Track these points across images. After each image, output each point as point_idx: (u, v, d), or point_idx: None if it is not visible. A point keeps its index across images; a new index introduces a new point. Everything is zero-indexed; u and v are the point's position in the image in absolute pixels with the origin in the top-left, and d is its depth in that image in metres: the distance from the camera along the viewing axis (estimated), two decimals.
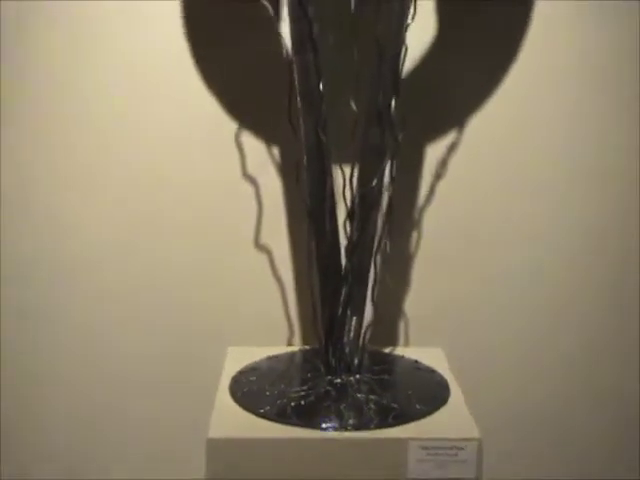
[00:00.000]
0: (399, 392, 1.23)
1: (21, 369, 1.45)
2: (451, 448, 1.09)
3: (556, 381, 1.48)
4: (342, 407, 1.16)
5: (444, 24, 1.35)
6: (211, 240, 1.42)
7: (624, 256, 1.45)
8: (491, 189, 1.42)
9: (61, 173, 1.39)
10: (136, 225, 1.41)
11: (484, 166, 1.41)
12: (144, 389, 1.45)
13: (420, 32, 1.30)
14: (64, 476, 1.47)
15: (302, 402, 1.17)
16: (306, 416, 1.14)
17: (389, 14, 1.15)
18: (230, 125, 1.37)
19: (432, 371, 1.30)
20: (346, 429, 1.11)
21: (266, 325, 1.43)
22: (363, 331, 1.24)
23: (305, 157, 1.19)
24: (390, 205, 1.23)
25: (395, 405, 1.16)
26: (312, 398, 1.18)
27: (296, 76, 1.17)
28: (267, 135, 1.38)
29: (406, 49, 1.17)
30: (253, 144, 1.38)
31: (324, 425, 1.12)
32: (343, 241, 1.22)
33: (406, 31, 1.16)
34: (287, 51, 1.20)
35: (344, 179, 1.21)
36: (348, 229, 1.21)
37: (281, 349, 1.40)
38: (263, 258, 1.42)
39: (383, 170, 1.19)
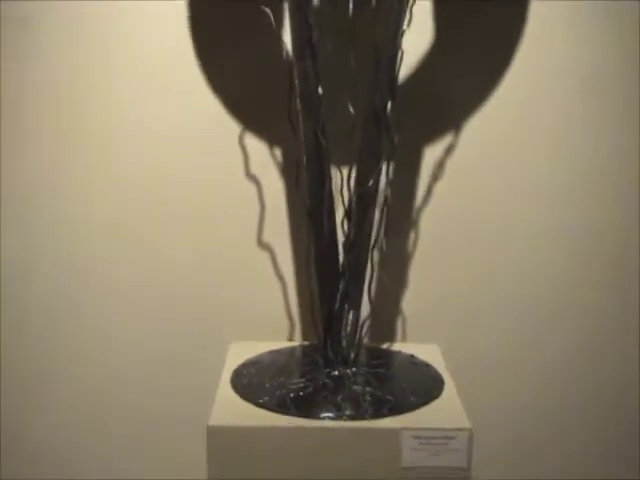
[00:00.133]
0: (394, 385, 1.27)
1: (24, 366, 1.49)
2: (443, 438, 1.13)
3: (552, 378, 1.51)
4: (339, 398, 1.19)
5: (441, 28, 1.38)
6: (214, 239, 1.45)
7: (621, 255, 1.48)
8: (487, 190, 1.45)
9: (68, 171, 1.43)
10: (140, 223, 1.44)
11: (481, 167, 1.44)
12: (148, 382, 1.48)
13: (418, 36, 1.34)
14: (67, 467, 1.52)
15: (300, 393, 1.21)
16: (304, 406, 1.18)
17: (385, 20, 1.18)
18: (233, 126, 1.41)
19: (427, 365, 1.34)
20: (342, 419, 1.15)
21: (268, 321, 1.46)
22: (360, 326, 1.28)
23: (305, 158, 1.23)
24: (386, 204, 1.26)
25: (390, 397, 1.20)
26: (310, 390, 1.22)
27: (296, 80, 1.21)
28: (269, 136, 1.41)
29: (402, 54, 1.20)
30: (255, 145, 1.42)
31: (321, 415, 1.16)
32: (341, 239, 1.26)
33: (402, 37, 1.19)
34: (288, 56, 1.23)
35: (342, 179, 1.25)
36: (345, 227, 1.25)
37: (282, 344, 1.43)
38: (265, 256, 1.46)
39: (379, 171, 1.23)
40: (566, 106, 1.43)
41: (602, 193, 1.46)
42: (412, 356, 1.38)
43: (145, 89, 1.41)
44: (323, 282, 1.27)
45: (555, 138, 1.44)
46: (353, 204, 1.24)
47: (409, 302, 1.47)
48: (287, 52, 1.23)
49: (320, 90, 1.20)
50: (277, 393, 1.21)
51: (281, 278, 1.47)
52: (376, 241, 1.27)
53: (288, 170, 1.41)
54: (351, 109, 1.22)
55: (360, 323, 1.28)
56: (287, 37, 1.23)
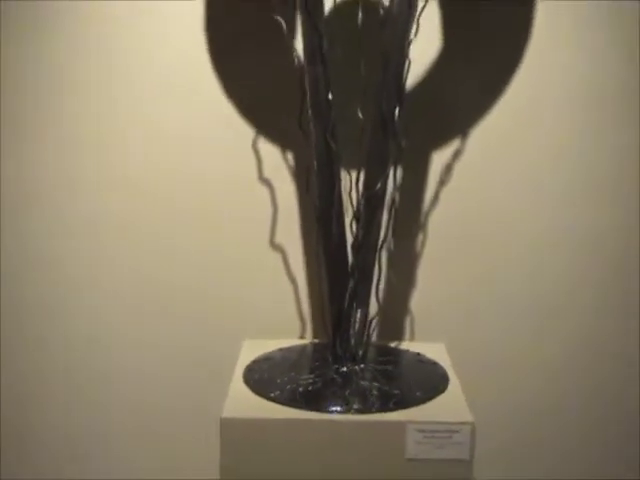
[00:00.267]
0: (401, 381, 1.31)
1: (39, 365, 1.54)
2: (446, 431, 1.16)
3: (554, 377, 1.53)
4: (347, 393, 1.23)
5: (448, 37, 1.42)
6: (229, 240, 1.49)
7: (622, 256, 1.51)
8: (492, 193, 1.48)
9: (83, 172, 1.47)
10: (157, 224, 1.49)
11: (486, 171, 1.47)
12: (163, 378, 1.53)
13: (426, 45, 1.38)
14: (79, 463, 1.57)
15: (310, 388, 1.25)
16: (313, 400, 1.22)
17: (393, 30, 1.22)
18: (246, 131, 1.45)
19: (434, 363, 1.38)
20: (350, 413, 1.19)
21: (279, 319, 1.50)
22: (368, 324, 1.32)
23: (315, 162, 1.27)
24: (394, 207, 1.30)
25: (396, 392, 1.24)
26: (319, 385, 1.26)
27: (307, 86, 1.24)
28: (281, 141, 1.45)
29: (409, 63, 1.24)
30: (268, 149, 1.46)
31: (330, 409, 1.20)
32: (350, 240, 1.30)
33: (409, 46, 1.23)
34: (299, 63, 1.27)
35: (351, 182, 1.29)
36: (354, 229, 1.29)
37: (293, 342, 1.47)
38: (277, 257, 1.50)
39: (387, 174, 1.27)
40: (568, 112, 1.47)
41: (603, 195, 1.49)
42: (418, 354, 1.41)
43: (161, 93, 1.45)
44: (332, 282, 1.30)
45: (557, 143, 1.47)
46: (361, 206, 1.28)
47: (416, 302, 1.50)
48: (299, 59, 1.27)
49: (330, 96, 1.24)
50: (287, 388, 1.25)
51: (292, 278, 1.50)
52: (384, 242, 1.31)
53: (299, 173, 1.45)
54: (360, 115, 1.25)
55: (368, 321, 1.31)
56: (299, 45, 1.27)
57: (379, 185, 1.26)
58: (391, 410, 1.20)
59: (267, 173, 1.47)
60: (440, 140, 1.46)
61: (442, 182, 1.47)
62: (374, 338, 1.40)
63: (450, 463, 1.17)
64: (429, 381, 1.31)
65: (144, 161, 1.47)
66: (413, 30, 1.23)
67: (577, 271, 1.51)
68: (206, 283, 1.51)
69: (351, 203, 1.29)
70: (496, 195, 1.49)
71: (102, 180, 1.48)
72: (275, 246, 1.50)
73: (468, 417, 1.18)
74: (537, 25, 1.42)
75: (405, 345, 1.47)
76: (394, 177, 1.29)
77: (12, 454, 1.56)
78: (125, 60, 1.44)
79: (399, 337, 1.51)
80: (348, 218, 1.30)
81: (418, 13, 1.23)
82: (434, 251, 1.49)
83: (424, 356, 1.41)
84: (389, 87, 1.24)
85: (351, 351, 1.30)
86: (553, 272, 1.51)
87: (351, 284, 1.29)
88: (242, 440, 1.18)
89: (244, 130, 1.45)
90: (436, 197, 1.48)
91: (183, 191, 1.48)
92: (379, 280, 1.32)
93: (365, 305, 1.31)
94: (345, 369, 1.29)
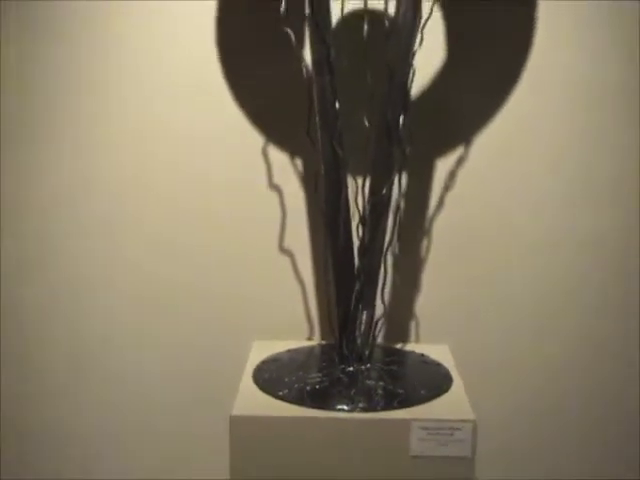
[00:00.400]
0: (405, 380, 1.34)
1: (52, 365, 1.58)
2: (449, 429, 1.20)
3: (555, 376, 1.56)
4: (353, 392, 1.27)
5: (452, 48, 1.45)
6: (239, 244, 1.53)
7: (621, 259, 1.54)
8: (495, 199, 1.52)
9: (100, 177, 1.52)
10: (172, 228, 1.53)
11: (489, 178, 1.51)
12: (176, 377, 1.57)
13: (431, 54, 1.42)
14: (90, 462, 1.61)
15: (317, 387, 1.28)
16: (320, 399, 1.25)
17: (398, 42, 1.26)
18: (256, 138, 1.49)
19: (437, 364, 1.41)
20: (356, 411, 1.23)
21: (288, 321, 1.54)
22: (373, 325, 1.35)
23: (322, 168, 1.30)
24: (399, 212, 1.34)
25: (401, 391, 1.28)
26: (326, 384, 1.29)
27: (315, 95, 1.28)
28: (290, 148, 1.49)
29: (414, 72, 1.28)
30: (277, 156, 1.50)
31: (336, 407, 1.23)
32: (356, 244, 1.33)
33: (414, 56, 1.27)
34: (307, 73, 1.30)
35: (357, 188, 1.32)
36: (360, 233, 1.32)
37: (300, 343, 1.51)
38: (285, 260, 1.53)
39: (392, 180, 1.30)
40: (569, 116, 1.50)
41: (603, 198, 1.52)
42: (422, 355, 1.45)
43: (173, 101, 1.49)
44: (339, 284, 1.34)
45: (558, 147, 1.51)
46: (367, 211, 1.31)
47: (420, 304, 1.54)
48: (307, 69, 1.30)
49: (337, 105, 1.27)
50: (295, 387, 1.29)
51: (300, 281, 1.54)
52: (389, 246, 1.34)
53: (307, 179, 1.49)
54: (366, 123, 1.29)
55: (374, 323, 1.35)
56: (307, 56, 1.30)
57: (384, 191, 1.29)
58: (396, 408, 1.23)
59: (276, 179, 1.51)
60: (444, 147, 1.50)
61: (446, 188, 1.50)
62: (380, 340, 1.43)
63: (453, 460, 1.20)
64: (433, 381, 1.34)
65: (157, 166, 1.51)
66: (417, 41, 1.26)
67: (578, 273, 1.54)
68: (216, 285, 1.55)
69: (357, 208, 1.32)
70: (498, 200, 1.52)
71: (115, 183, 1.52)
72: (284, 250, 1.53)
73: (470, 415, 1.21)
74: (538, 33, 1.45)
75: (409, 346, 1.51)
76: (399, 183, 1.33)
77: (25, 453, 1.61)
78: (141, 74, 1.49)
79: (404, 339, 1.54)
80: (354, 223, 1.33)
81: (422, 24, 1.26)
82: (438, 255, 1.52)
83: (428, 357, 1.44)
84: (394, 96, 1.27)
85: (357, 351, 1.34)
86: (554, 274, 1.54)
87: (357, 286, 1.32)
88: (251, 437, 1.21)
89: (254, 137, 1.49)
90: (440, 202, 1.51)
91: (195, 196, 1.52)
92: (384, 283, 1.35)
93: (371, 307, 1.34)
94: (351, 369, 1.33)
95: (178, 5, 1.46)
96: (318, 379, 1.31)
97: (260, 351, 1.45)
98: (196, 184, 1.52)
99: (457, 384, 1.33)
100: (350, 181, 1.32)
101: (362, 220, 1.32)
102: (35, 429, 1.60)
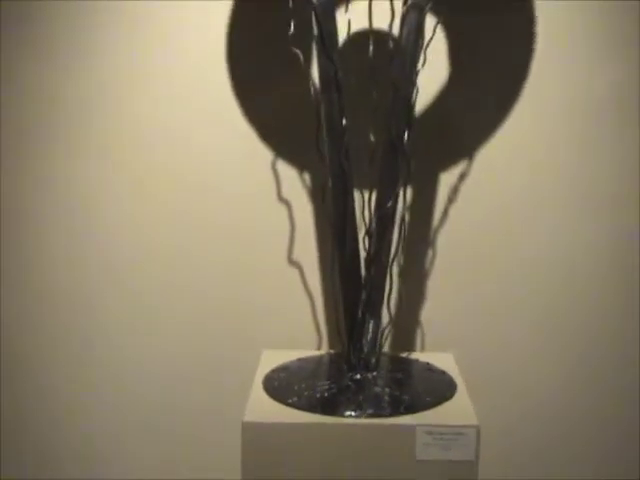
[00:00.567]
0: (411, 387, 1.38)
1: (67, 367, 1.61)
2: (453, 434, 1.23)
3: (557, 384, 1.59)
4: (361, 399, 1.30)
5: (454, 67, 1.49)
6: (250, 256, 1.57)
7: (620, 269, 1.57)
8: (497, 211, 1.55)
9: (114, 191, 1.56)
10: (185, 241, 1.57)
11: (491, 191, 1.55)
12: (187, 384, 1.60)
13: (434, 74, 1.46)
14: (101, 465, 1.64)
15: (326, 394, 1.32)
16: (329, 406, 1.28)
17: (402, 62, 1.30)
18: (266, 154, 1.54)
19: (442, 372, 1.44)
20: (364, 417, 1.26)
21: (297, 331, 1.57)
22: (380, 334, 1.39)
23: (330, 182, 1.33)
24: (404, 224, 1.37)
25: (406, 397, 1.31)
26: (335, 391, 1.33)
27: (323, 112, 1.32)
28: (298, 163, 1.53)
29: (417, 90, 1.32)
30: (286, 170, 1.54)
31: (345, 413, 1.26)
32: (363, 255, 1.37)
33: (417, 75, 1.31)
34: (315, 91, 1.34)
35: (363, 201, 1.35)
36: (367, 244, 1.35)
37: (309, 352, 1.54)
38: (294, 272, 1.57)
39: (397, 194, 1.34)
40: (568, 134, 1.53)
41: (603, 212, 1.55)
42: (428, 363, 1.48)
43: (187, 120, 1.54)
44: (347, 294, 1.37)
45: (558, 164, 1.54)
46: (373, 223, 1.34)
47: (425, 313, 1.57)
48: (315, 87, 1.35)
49: (344, 121, 1.30)
50: (305, 394, 1.32)
51: (309, 292, 1.58)
52: (395, 257, 1.37)
53: (315, 193, 1.53)
54: (372, 138, 1.32)
55: (380, 332, 1.38)
56: (315, 74, 1.35)
57: (390, 203, 1.33)
58: (402, 414, 1.26)
59: (285, 193, 1.55)
60: (447, 161, 1.54)
61: (449, 200, 1.54)
62: (386, 348, 1.46)
63: (457, 464, 1.23)
64: (438, 388, 1.37)
65: (170, 179, 1.55)
66: (421, 61, 1.30)
67: (580, 283, 1.57)
68: (227, 295, 1.58)
69: (364, 220, 1.35)
70: (500, 212, 1.55)
71: (128, 196, 1.56)
72: (292, 261, 1.57)
73: (474, 420, 1.25)
74: (537, 50, 1.49)
75: (415, 355, 1.54)
76: (404, 196, 1.36)
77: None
78: (155, 93, 1.53)
79: (409, 348, 1.58)
80: (361, 234, 1.36)
81: (425, 45, 1.30)
82: (442, 266, 1.56)
83: (433, 365, 1.47)
84: (399, 113, 1.31)
85: (364, 360, 1.37)
86: (556, 284, 1.57)
87: (364, 296, 1.35)
88: (262, 443, 1.24)
89: (264, 153, 1.53)
90: (444, 215, 1.54)
91: (206, 209, 1.56)
92: (390, 293, 1.38)
93: (377, 316, 1.38)
94: (359, 376, 1.36)
95: (189, 22, 1.51)
96: (327, 386, 1.34)
97: (269, 360, 1.48)
98: (208, 197, 1.56)
99: (461, 391, 1.36)
100: (357, 194, 1.35)
101: (368, 232, 1.35)
102: (39, 434, 1.64)
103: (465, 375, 1.42)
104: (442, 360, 1.50)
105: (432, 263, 1.56)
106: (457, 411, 1.29)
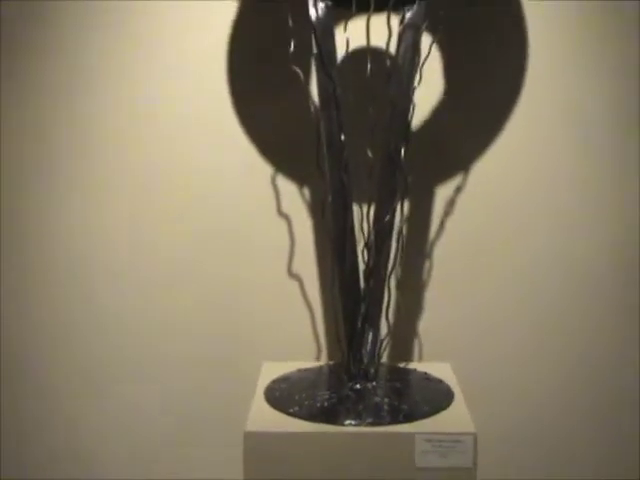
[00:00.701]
0: (409, 397, 1.41)
1: (71, 374, 1.63)
2: (451, 441, 1.25)
3: (554, 392, 1.61)
4: (360, 408, 1.33)
5: (449, 84, 1.53)
6: (251, 269, 1.59)
7: (613, 275, 1.60)
8: (493, 224, 1.58)
9: (124, 202, 1.59)
10: (189, 254, 1.59)
11: (486, 204, 1.58)
12: (189, 396, 1.62)
13: (429, 91, 1.49)
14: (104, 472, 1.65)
15: (326, 404, 1.34)
16: (330, 415, 1.31)
17: (399, 80, 1.33)
18: (266, 170, 1.56)
19: (440, 381, 1.46)
20: (364, 425, 1.28)
21: (297, 343, 1.60)
22: (379, 344, 1.41)
23: (330, 196, 1.36)
24: (401, 237, 1.39)
25: (405, 406, 1.34)
26: (335, 400, 1.35)
27: (322, 128, 1.35)
28: (297, 178, 1.56)
29: (414, 107, 1.35)
30: (285, 186, 1.57)
31: (345, 422, 1.28)
32: (361, 267, 1.39)
33: (414, 93, 1.34)
34: (315, 107, 1.37)
35: (362, 215, 1.37)
36: (366, 257, 1.38)
37: (309, 364, 1.56)
38: (294, 285, 1.60)
39: (395, 207, 1.37)
40: (561, 148, 1.57)
41: (596, 223, 1.58)
42: (425, 373, 1.50)
43: (190, 136, 1.57)
44: (346, 305, 1.39)
45: (551, 177, 1.57)
46: (372, 236, 1.37)
47: (423, 324, 1.59)
48: (314, 105, 1.37)
49: (343, 137, 1.34)
50: (306, 404, 1.34)
51: (308, 304, 1.60)
52: (393, 269, 1.40)
53: (314, 208, 1.56)
54: (370, 154, 1.35)
55: (379, 342, 1.41)
56: (314, 92, 1.38)
57: (388, 217, 1.36)
58: (401, 423, 1.28)
59: (285, 207, 1.58)
60: (443, 175, 1.57)
61: (445, 214, 1.57)
62: (384, 359, 1.48)
63: (455, 471, 1.25)
64: (435, 397, 1.39)
65: (173, 194, 1.58)
66: (417, 78, 1.34)
67: (574, 292, 1.60)
68: (228, 308, 1.61)
69: (363, 233, 1.38)
70: (496, 225, 1.58)
71: (131, 210, 1.59)
72: (292, 275, 1.59)
73: (471, 428, 1.27)
74: (530, 67, 1.53)
75: (413, 365, 1.56)
76: (401, 209, 1.38)
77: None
78: (151, 101, 1.56)
79: (407, 358, 1.60)
80: (360, 247, 1.38)
81: (421, 63, 1.34)
82: (439, 277, 1.58)
83: (431, 375, 1.49)
84: (396, 129, 1.34)
85: (364, 370, 1.39)
86: (551, 294, 1.60)
87: (363, 308, 1.38)
88: (264, 452, 1.26)
89: (264, 168, 1.56)
90: (440, 227, 1.57)
91: (208, 224, 1.59)
92: (389, 304, 1.41)
93: (376, 327, 1.40)
94: (358, 386, 1.38)
95: (190, 40, 1.54)
96: (327, 396, 1.37)
97: (270, 371, 1.50)
98: (209, 212, 1.59)
99: (458, 400, 1.38)
100: (356, 208, 1.37)
101: (367, 245, 1.37)
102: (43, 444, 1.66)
103: (462, 384, 1.44)
104: (440, 370, 1.51)
105: (429, 275, 1.59)
106: (455, 419, 1.32)
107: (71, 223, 1.60)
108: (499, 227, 1.59)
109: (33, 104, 1.57)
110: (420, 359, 1.61)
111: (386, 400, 1.35)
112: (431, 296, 1.60)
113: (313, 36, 1.32)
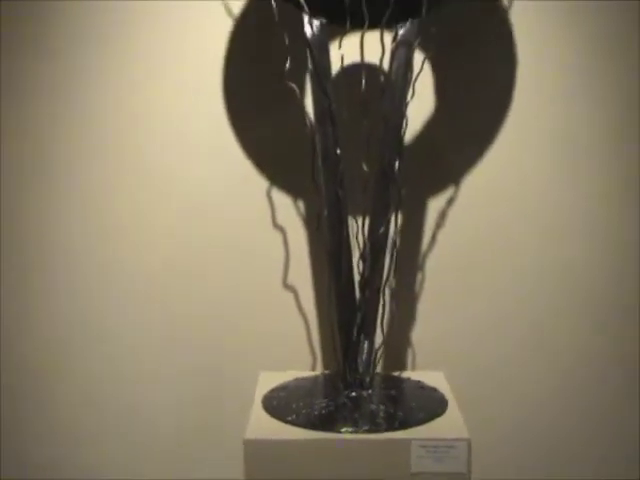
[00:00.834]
0: (404, 404, 1.44)
1: (67, 387, 1.65)
2: (446, 447, 1.28)
3: (544, 397, 1.64)
4: (357, 415, 1.36)
5: (441, 99, 1.57)
6: (247, 281, 1.62)
7: (606, 289, 1.63)
8: (483, 235, 1.61)
9: (124, 218, 1.62)
10: (185, 266, 1.62)
11: (477, 216, 1.61)
12: (191, 407, 1.65)
13: (422, 106, 1.53)
14: None
15: (323, 412, 1.37)
16: (327, 422, 1.34)
17: (392, 95, 1.37)
18: (262, 183, 1.59)
19: (434, 389, 1.50)
20: (360, 432, 1.31)
21: (292, 353, 1.62)
22: (374, 354, 1.44)
23: (326, 209, 1.39)
24: (395, 248, 1.43)
25: (400, 414, 1.37)
26: (332, 408, 1.38)
27: (318, 143, 1.38)
28: (292, 192, 1.59)
29: (407, 122, 1.38)
30: (281, 199, 1.60)
31: (342, 429, 1.31)
32: (357, 278, 1.42)
33: (406, 107, 1.37)
34: (310, 122, 1.40)
35: (357, 227, 1.40)
36: (361, 268, 1.40)
37: (305, 373, 1.59)
38: (289, 296, 1.62)
39: (389, 219, 1.40)
40: (549, 162, 1.60)
41: (586, 232, 1.62)
42: (419, 382, 1.53)
43: (187, 152, 1.60)
44: (342, 316, 1.42)
45: (539, 189, 1.61)
46: (367, 248, 1.40)
47: (415, 334, 1.62)
48: (310, 120, 1.41)
49: (338, 151, 1.37)
50: (303, 412, 1.37)
51: (303, 315, 1.63)
52: (387, 280, 1.43)
53: (308, 220, 1.59)
54: (364, 167, 1.37)
55: (374, 351, 1.44)
56: (310, 107, 1.40)
57: (382, 229, 1.39)
58: (396, 429, 1.32)
59: (280, 220, 1.61)
60: (435, 188, 1.60)
61: (437, 225, 1.60)
62: (378, 369, 1.51)
63: (450, 476, 1.28)
64: (430, 404, 1.42)
65: (172, 207, 1.61)
66: (410, 94, 1.37)
67: (565, 302, 1.63)
68: (225, 320, 1.63)
69: (358, 245, 1.40)
70: (486, 236, 1.61)
71: (130, 224, 1.61)
72: (287, 286, 1.62)
73: (465, 434, 1.30)
74: (518, 83, 1.56)
75: (407, 374, 1.59)
76: (395, 222, 1.42)
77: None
78: (149, 117, 1.59)
79: (401, 367, 1.63)
80: (355, 259, 1.41)
81: (414, 79, 1.37)
82: (431, 288, 1.61)
83: (425, 383, 1.52)
84: (389, 143, 1.38)
85: (359, 378, 1.42)
86: (541, 304, 1.63)
87: (358, 318, 1.41)
88: (263, 459, 1.29)
89: (259, 182, 1.59)
90: (433, 239, 1.60)
91: (205, 236, 1.61)
92: (383, 314, 1.44)
93: (371, 337, 1.43)
94: (354, 394, 1.41)
95: (187, 56, 1.57)
96: (324, 404, 1.39)
97: (267, 381, 1.53)
98: (206, 225, 1.61)
99: (452, 407, 1.41)
100: (351, 220, 1.40)
101: (362, 256, 1.40)
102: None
103: (455, 392, 1.47)
104: (433, 378, 1.54)
105: (422, 286, 1.62)
106: (449, 425, 1.35)
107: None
108: (490, 239, 1.62)
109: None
110: (413, 368, 1.64)
111: (382, 407, 1.38)
112: (424, 307, 1.63)
113: (308, 53, 1.36)
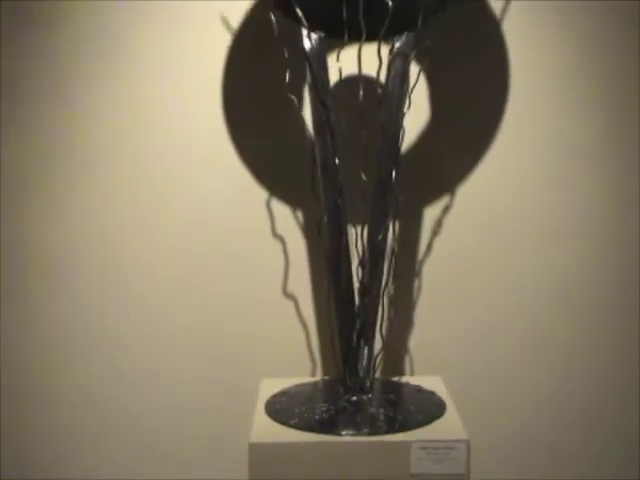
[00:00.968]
0: (404, 407, 1.46)
1: (68, 394, 1.66)
2: (445, 448, 1.31)
3: (542, 400, 1.66)
4: (357, 419, 1.38)
5: (436, 109, 1.60)
6: (247, 289, 1.64)
7: (602, 293, 1.66)
8: (478, 242, 1.64)
9: (124, 226, 1.64)
10: (185, 276, 1.64)
11: (473, 224, 1.63)
12: (193, 413, 1.66)
13: (418, 116, 1.56)
14: None
15: (325, 415, 1.40)
16: (328, 426, 1.36)
17: (389, 106, 1.40)
18: (261, 193, 1.62)
19: (432, 393, 1.52)
20: (361, 435, 1.33)
21: (293, 360, 1.64)
22: (373, 359, 1.46)
23: (325, 218, 1.42)
24: (394, 255, 1.45)
25: (400, 417, 1.39)
26: (333, 412, 1.41)
27: (317, 153, 1.40)
28: (292, 201, 1.61)
29: (403, 131, 1.41)
30: (280, 208, 1.62)
31: (343, 432, 1.34)
32: (356, 285, 1.44)
33: (403, 118, 1.40)
34: (309, 133, 1.43)
35: (356, 234, 1.42)
36: (360, 275, 1.43)
37: (306, 379, 1.62)
38: (289, 304, 1.65)
39: (387, 227, 1.43)
40: (541, 171, 1.63)
41: (581, 237, 1.64)
42: (418, 386, 1.56)
43: (187, 163, 1.62)
44: (342, 322, 1.44)
45: (532, 197, 1.63)
46: (366, 255, 1.42)
47: (414, 339, 1.65)
48: (308, 130, 1.43)
49: (337, 161, 1.39)
50: (305, 416, 1.40)
51: (303, 322, 1.65)
52: (386, 286, 1.46)
53: (307, 229, 1.61)
54: (363, 176, 1.39)
55: (374, 356, 1.46)
56: (309, 118, 1.43)
57: (380, 236, 1.42)
58: (397, 432, 1.34)
59: (279, 229, 1.63)
60: (431, 197, 1.63)
61: (434, 233, 1.63)
62: (377, 374, 1.52)
63: (449, 477, 1.31)
64: (429, 407, 1.45)
65: (171, 216, 1.63)
66: (406, 104, 1.40)
67: (561, 306, 1.65)
68: (225, 328, 1.65)
69: (357, 253, 1.43)
70: (481, 243, 1.64)
71: (130, 232, 1.63)
72: (287, 294, 1.64)
73: (464, 435, 1.33)
74: (512, 93, 1.59)
75: (405, 379, 1.61)
76: (393, 229, 1.44)
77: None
78: (149, 128, 1.61)
79: (400, 372, 1.65)
80: (354, 266, 1.43)
81: (410, 90, 1.40)
82: (429, 294, 1.64)
83: (423, 387, 1.55)
84: (387, 152, 1.40)
85: (359, 383, 1.45)
86: (538, 309, 1.65)
87: (358, 324, 1.43)
88: (267, 462, 1.31)
89: (259, 192, 1.61)
90: (429, 246, 1.63)
91: (205, 246, 1.63)
92: (382, 320, 1.46)
93: (371, 342, 1.45)
94: (355, 398, 1.44)
95: (186, 67, 1.59)
96: (325, 408, 1.42)
97: (269, 387, 1.55)
98: (207, 234, 1.63)
99: (450, 410, 1.44)
100: (350, 228, 1.42)
101: (362, 263, 1.43)
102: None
103: (453, 396, 1.49)
104: (431, 383, 1.56)
105: (419, 292, 1.64)
106: (448, 427, 1.37)
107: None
108: (485, 246, 1.64)
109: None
110: (412, 373, 1.66)
111: (382, 411, 1.41)
112: (421, 313, 1.65)
113: (307, 66, 1.38)
